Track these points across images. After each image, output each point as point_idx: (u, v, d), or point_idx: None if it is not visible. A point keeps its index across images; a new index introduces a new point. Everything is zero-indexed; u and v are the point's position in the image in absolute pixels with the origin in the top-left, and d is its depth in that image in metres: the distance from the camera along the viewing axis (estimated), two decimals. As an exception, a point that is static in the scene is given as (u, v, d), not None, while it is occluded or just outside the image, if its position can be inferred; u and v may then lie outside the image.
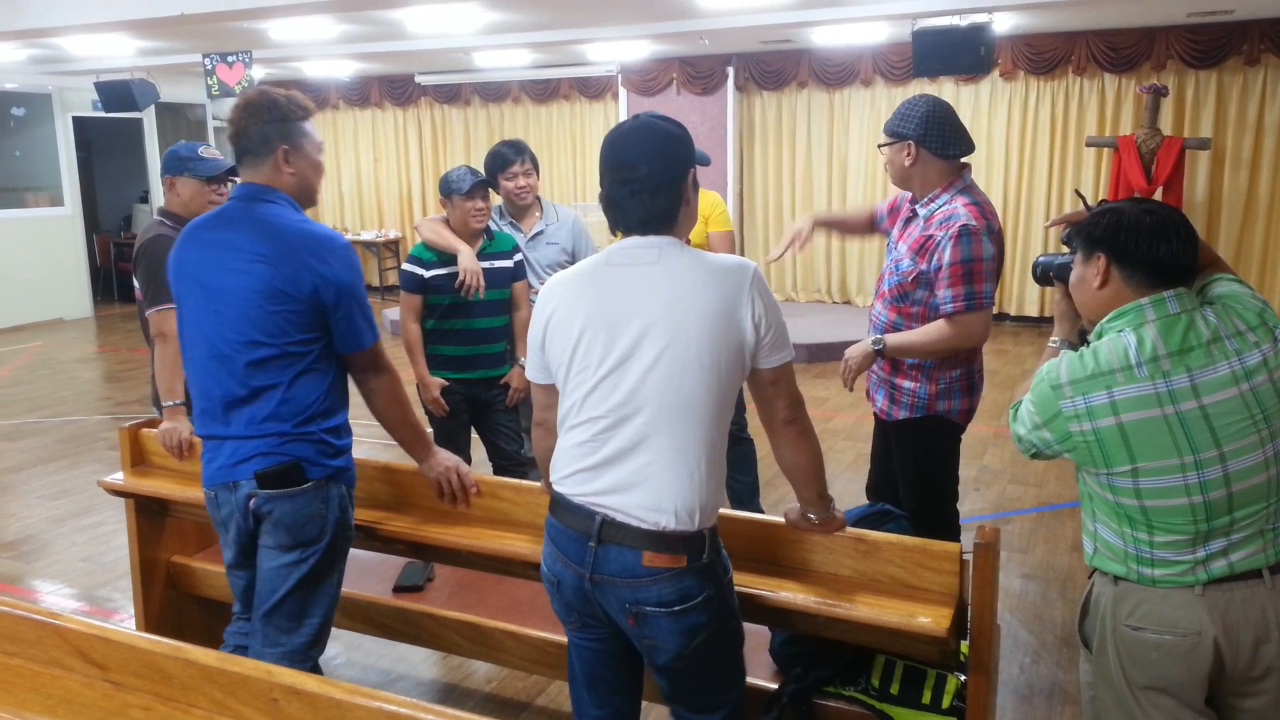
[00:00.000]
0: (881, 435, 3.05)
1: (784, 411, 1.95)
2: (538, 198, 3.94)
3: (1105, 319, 1.80)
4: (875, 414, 2.98)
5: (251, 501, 2.18)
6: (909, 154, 2.72)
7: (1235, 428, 1.70)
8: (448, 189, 3.54)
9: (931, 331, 2.71)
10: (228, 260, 2.15)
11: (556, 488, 1.93)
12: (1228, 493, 1.70)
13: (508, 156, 3.82)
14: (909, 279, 2.74)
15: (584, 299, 1.89)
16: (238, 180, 2.96)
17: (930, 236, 2.69)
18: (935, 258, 2.66)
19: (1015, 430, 1.90)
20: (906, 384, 2.82)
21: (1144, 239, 1.76)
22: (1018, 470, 5.19)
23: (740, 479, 4.18)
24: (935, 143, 2.70)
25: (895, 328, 2.79)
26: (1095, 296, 1.83)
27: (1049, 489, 4.90)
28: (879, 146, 2.84)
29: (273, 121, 2.20)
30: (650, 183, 1.87)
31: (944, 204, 2.71)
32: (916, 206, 2.78)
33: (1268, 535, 1.73)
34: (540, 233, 3.91)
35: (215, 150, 3.19)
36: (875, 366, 2.89)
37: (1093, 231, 1.83)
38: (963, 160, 2.75)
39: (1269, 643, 1.71)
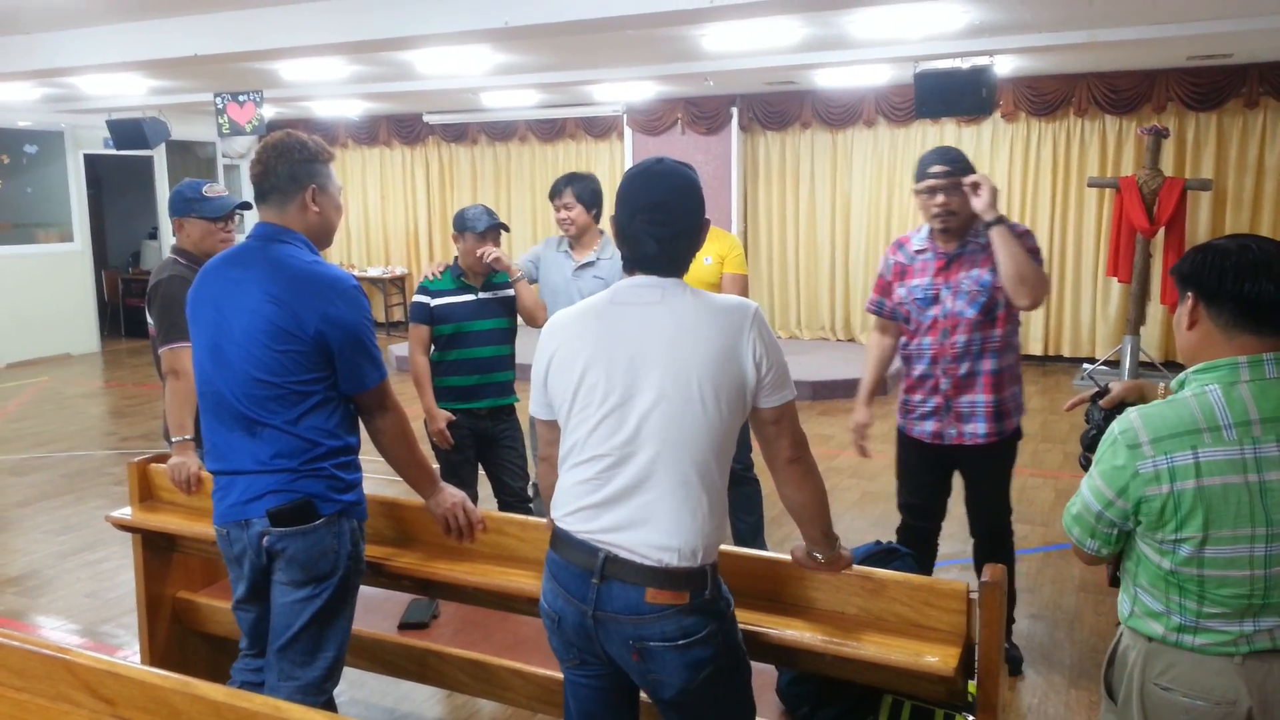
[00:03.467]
0: (940, 462, 3.26)
1: (787, 450, 1.97)
2: (601, 231, 4.00)
3: (1193, 369, 1.71)
4: (971, 444, 3.14)
5: (265, 539, 2.19)
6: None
7: None
8: (463, 225, 3.62)
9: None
10: (239, 299, 2.19)
11: (559, 524, 1.94)
12: None
13: (557, 187, 3.98)
14: (997, 286, 3.03)
15: (588, 337, 1.92)
16: (243, 214, 3.01)
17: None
18: None
19: (1077, 531, 1.83)
20: (1010, 391, 3.17)
21: (1229, 275, 1.66)
22: (1024, 509, 5.17)
23: (744, 518, 4.17)
24: None
25: (995, 343, 3.10)
26: (1186, 339, 1.74)
27: (1055, 528, 4.88)
28: (954, 173, 3.04)
29: (303, 161, 2.26)
30: (677, 226, 1.93)
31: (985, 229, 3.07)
32: (970, 238, 3.10)
33: None
34: (589, 264, 3.96)
35: (220, 188, 3.24)
36: (966, 392, 3.11)
37: (1181, 268, 1.74)
38: None
39: None
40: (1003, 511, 3.31)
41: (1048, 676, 3.41)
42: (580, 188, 3.92)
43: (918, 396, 3.21)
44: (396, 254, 12.01)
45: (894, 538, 3.44)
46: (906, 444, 3.31)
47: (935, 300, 3.12)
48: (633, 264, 1.97)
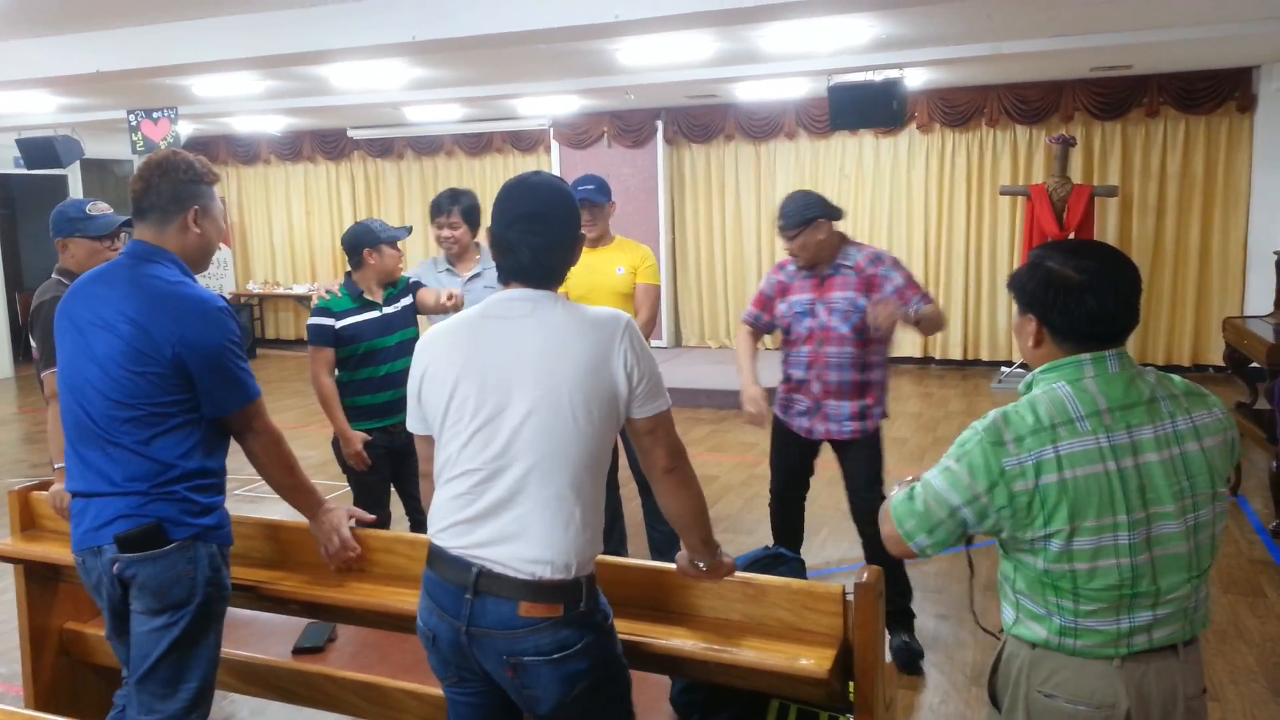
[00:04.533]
0: (809, 450, 3.69)
1: (663, 460, 1.98)
2: (477, 243, 4.00)
3: (1039, 369, 1.76)
4: (841, 439, 3.56)
5: (115, 566, 2.13)
6: (829, 231, 3.46)
7: (1163, 491, 1.67)
8: (375, 240, 3.57)
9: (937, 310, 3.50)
10: (101, 318, 2.14)
11: (434, 540, 1.93)
12: (1150, 558, 1.66)
13: (441, 206, 3.95)
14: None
15: (459, 351, 1.92)
16: (129, 232, 2.96)
17: (873, 275, 3.46)
18: (887, 284, 3.43)
19: (911, 524, 1.76)
20: (876, 398, 3.58)
21: (1073, 298, 1.68)
22: (937, 511, 5.27)
23: (659, 528, 4.18)
24: (836, 215, 3.49)
25: (864, 358, 3.49)
26: (1033, 355, 1.78)
27: (966, 529, 4.98)
28: (788, 229, 3.42)
29: (188, 182, 2.22)
30: (551, 236, 1.94)
31: (856, 253, 3.51)
32: (840, 261, 3.50)
33: (1189, 614, 1.72)
34: (478, 275, 3.98)
35: (104, 206, 3.16)
36: (834, 397, 3.52)
37: (1024, 288, 1.76)
38: None
39: (1175, 713, 1.71)
40: (878, 486, 3.65)
41: (950, 675, 3.47)
42: (464, 205, 3.93)
43: (795, 396, 3.64)
44: (323, 271, 11.83)
45: (772, 526, 3.86)
46: (783, 433, 3.74)
47: (811, 314, 3.52)
48: (508, 274, 1.98)
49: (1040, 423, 1.67)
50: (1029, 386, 1.77)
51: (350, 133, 10.96)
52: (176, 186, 2.21)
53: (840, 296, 3.47)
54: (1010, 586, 1.79)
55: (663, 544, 4.21)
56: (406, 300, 3.70)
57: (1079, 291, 1.68)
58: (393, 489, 3.82)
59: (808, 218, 3.42)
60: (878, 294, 3.39)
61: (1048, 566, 1.69)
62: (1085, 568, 1.67)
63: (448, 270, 3.98)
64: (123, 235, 3.13)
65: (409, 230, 3.72)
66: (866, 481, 3.64)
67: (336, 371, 3.63)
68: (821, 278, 3.52)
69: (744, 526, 5.07)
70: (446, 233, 3.91)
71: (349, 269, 3.67)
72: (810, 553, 4.40)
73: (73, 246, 3.09)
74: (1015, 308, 1.80)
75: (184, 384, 2.13)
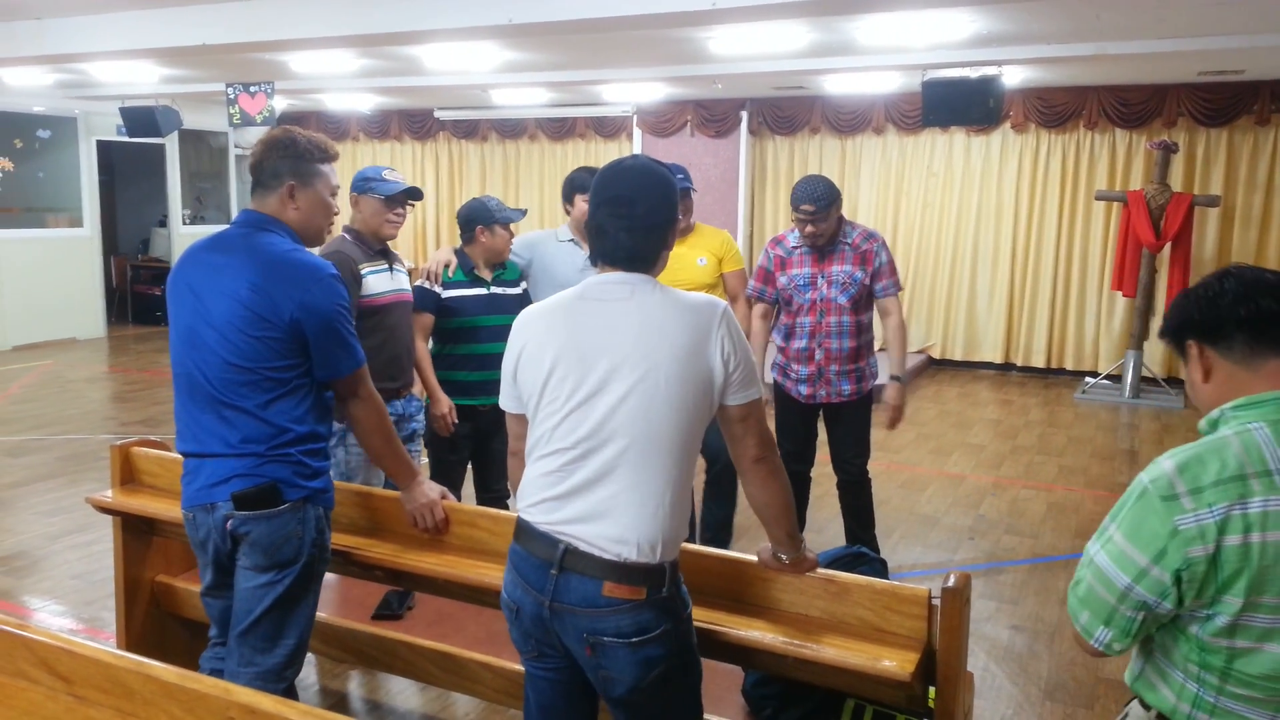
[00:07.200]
0: (812, 415, 4.02)
1: (753, 449, 1.97)
2: None
3: (1230, 405, 1.47)
4: (838, 402, 3.92)
5: (229, 523, 2.20)
6: (840, 211, 3.82)
7: None
8: (491, 219, 3.58)
9: (897, 329, 3.90)
10: (217, 284, 2.21)
11: (523, 515, 1.95)
12: None
13: (586, 183, 3.94)
14: (864, 283, 3.83)
15: (556, 332, 1.93)
16: (413, 204, 3.17)
17: (865, 250, 3.85)
18: (876, 260, 3.85)
19: (1085, 616, 1.47)
20: (870, 360, 3.98)
21: (1222, 303, 1.47)
22: (1015, 520, 5.16)
23: (715, 511, 4.19)
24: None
25: (859, 324, 3.88)
26: (1206, 393, 1.51)
27: (1044, 540, 4.86)
28: (818, 212, 3.71)
29: (285, 158, 2.29)
30: (645, 221, 1.93)
31: (852, 231, 3.86)
32: (840, 239, 3.83)
33: None
34: None
35: (398, 175, 3.29)
36: (835, 362, 3.86)
37: (1169, 324, 1.55)
38: None
39: None
40: (864, 453, 4.05)
41: (1024, 688, 3.40)
42: None
43: (796, 365, 3.94)
44: (405, 248, 12.04)
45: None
46: (785, 401, 4.05)
47: (813, 286, 3.84)
48: (600, 256, 1.98)
49: (1227, 470, 1.38)
50: (1213, 425, 1.49)
51: (437, 113, 11.11)
52: (276, 163, 2.29)
53: (839, 270, 3.81)
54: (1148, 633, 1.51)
55: (715, 526, 4.18)
56: (515, 289, 3.70)
57: (1223, 295, 1.47)
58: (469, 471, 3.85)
59: (833, 198, 3.73)
60: (871, 266, 3.81)
61: (1202, 637, 1.42)
62: (1248, 647, 1.39)
63: (572, 241, 3.87)
64: (409, 205, 3.31)
65: (524, 213, 3.73)
66: (859, 445, 4.01)
67: (432, 342, 3.67)
68: (822, 253, 3.82)
69: (814, 524, 5.00)
70: (583, 207, 3.92)
71: (461, 244, 3.70)
72: (884, 555, 4.34)
73: (362, 204, 3.24)
74: (1181, 354, 1.56)
75: (299, 348, 2.20)
